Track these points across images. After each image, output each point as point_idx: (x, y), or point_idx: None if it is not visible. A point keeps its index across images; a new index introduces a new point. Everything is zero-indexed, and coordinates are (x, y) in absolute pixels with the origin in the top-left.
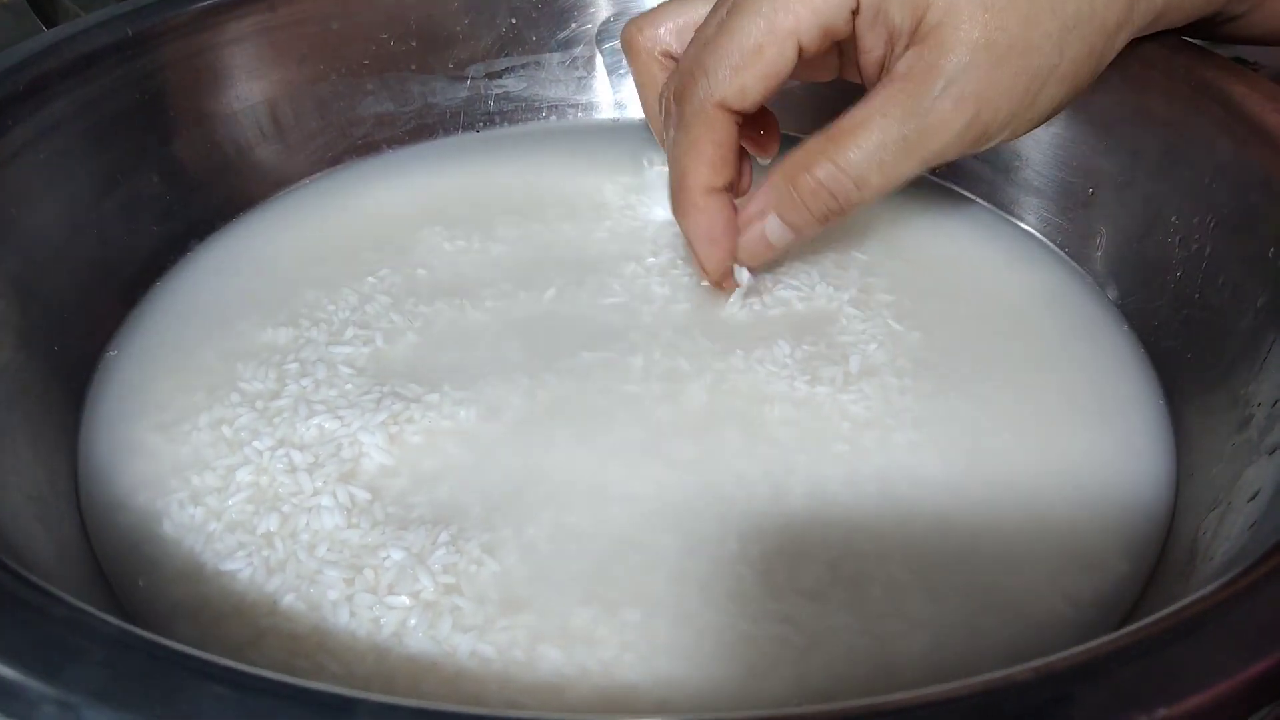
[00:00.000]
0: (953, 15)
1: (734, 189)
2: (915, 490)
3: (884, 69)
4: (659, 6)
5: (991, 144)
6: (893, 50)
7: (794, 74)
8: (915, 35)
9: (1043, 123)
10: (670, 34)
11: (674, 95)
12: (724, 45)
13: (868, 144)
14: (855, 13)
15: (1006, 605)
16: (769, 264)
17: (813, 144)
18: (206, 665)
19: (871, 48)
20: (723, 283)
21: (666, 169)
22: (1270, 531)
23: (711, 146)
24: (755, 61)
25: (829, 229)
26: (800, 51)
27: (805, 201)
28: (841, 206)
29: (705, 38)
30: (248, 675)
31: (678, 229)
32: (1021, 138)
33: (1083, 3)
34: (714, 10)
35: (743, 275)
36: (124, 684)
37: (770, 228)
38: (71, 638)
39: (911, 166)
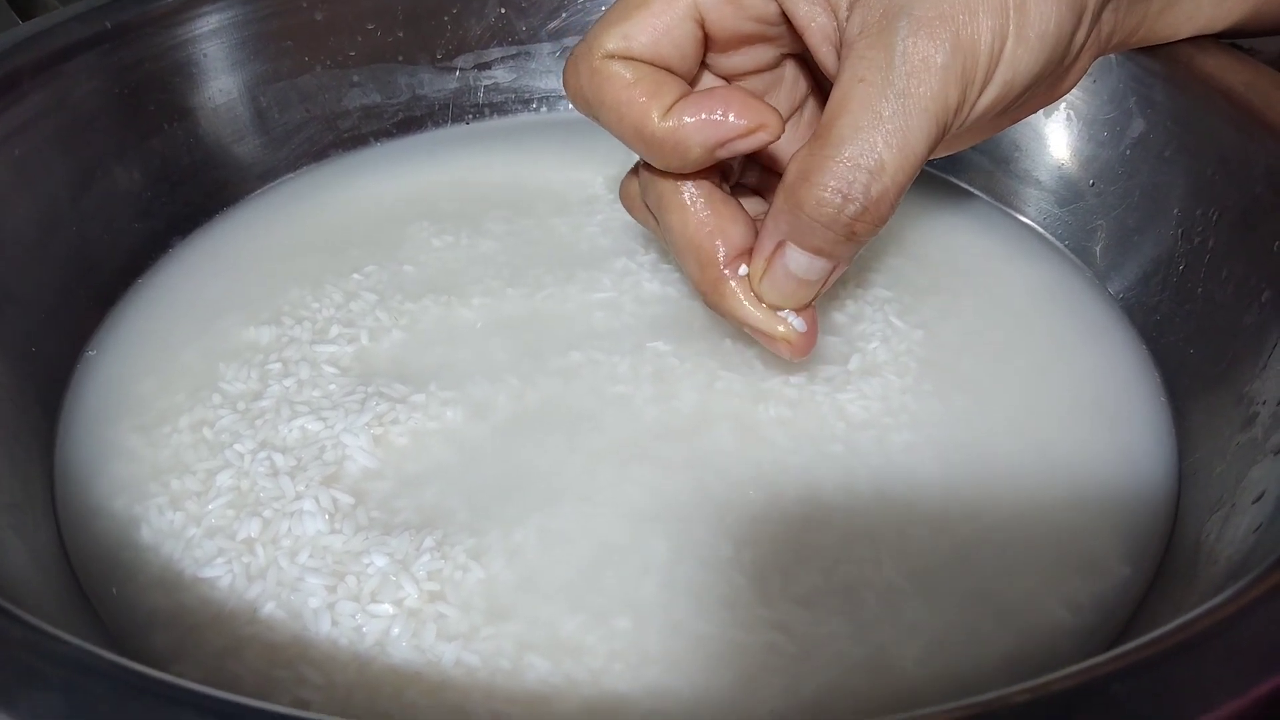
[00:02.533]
0: None
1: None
2: (912, 492)
3: (839, 42)
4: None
5: (1002, 86)
6: (838, 16)
7: (732, 65)
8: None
9: (1055, 54)
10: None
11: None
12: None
13: (862, 122)
14: None
15: (1004, 611)
16: (821, 297)
17: (803, 152)
18: (173, 690)
19: (810, 18)
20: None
21: None
22: (1277, 536)
23: (621, 89)
24: (638, 11)
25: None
26: (703, 19)
27: (818, 217)
28: (865, 208)
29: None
30: (215, 700)
31: None
32: (1021, 130)
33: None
34: None
35: (795, 320)
36: (85, 712)
37: (792, 261)
38: (31, 661)
39: (922, 128)
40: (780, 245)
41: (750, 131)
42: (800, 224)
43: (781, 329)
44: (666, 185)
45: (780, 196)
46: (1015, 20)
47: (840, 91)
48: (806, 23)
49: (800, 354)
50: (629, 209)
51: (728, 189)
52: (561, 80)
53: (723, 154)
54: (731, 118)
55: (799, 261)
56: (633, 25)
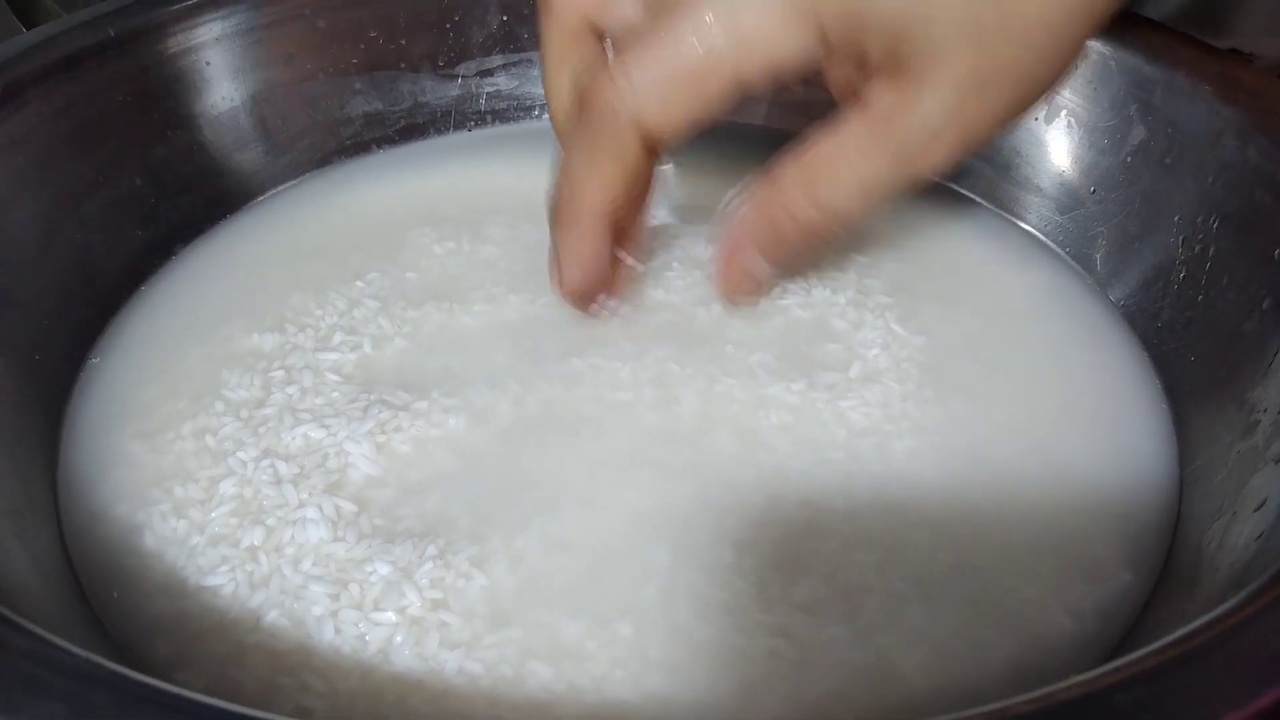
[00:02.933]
0: (935, 47)
1: (622, 232)
2: (913, 498)
3: (855, 92)
4: None
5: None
6: (866, 77)
7: None
8: (890, 66)
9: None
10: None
11: (586, 93)
12: (659, 61)
13: (846, 181)
14: (824, 49)
15: (1006, 617)
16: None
17: (786, 177)
18: (175, 700)
19: (840, 75)
20: (580, 304)
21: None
22: (1278, 546)
23: (616, 170)
24: (691, 93)
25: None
26: (743, 93)
27: (785, 239)
28: (823, 239)
29: (637, 35)
30: (217, 710)
31: (671, 231)
32: (1021, 136)
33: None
34: None
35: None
36: None
37: (754, 264)
38: (33, 670)
39: (892, 196)
40: (744, 248)
41: (559, 290)
42: (767, 238)
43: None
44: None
45: (755, 211)
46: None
47: (839, 144)
48: (836, 76)
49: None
50: (544, 20)
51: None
52: (543, 23)
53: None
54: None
55: (759, 265)
56: (680, 112)
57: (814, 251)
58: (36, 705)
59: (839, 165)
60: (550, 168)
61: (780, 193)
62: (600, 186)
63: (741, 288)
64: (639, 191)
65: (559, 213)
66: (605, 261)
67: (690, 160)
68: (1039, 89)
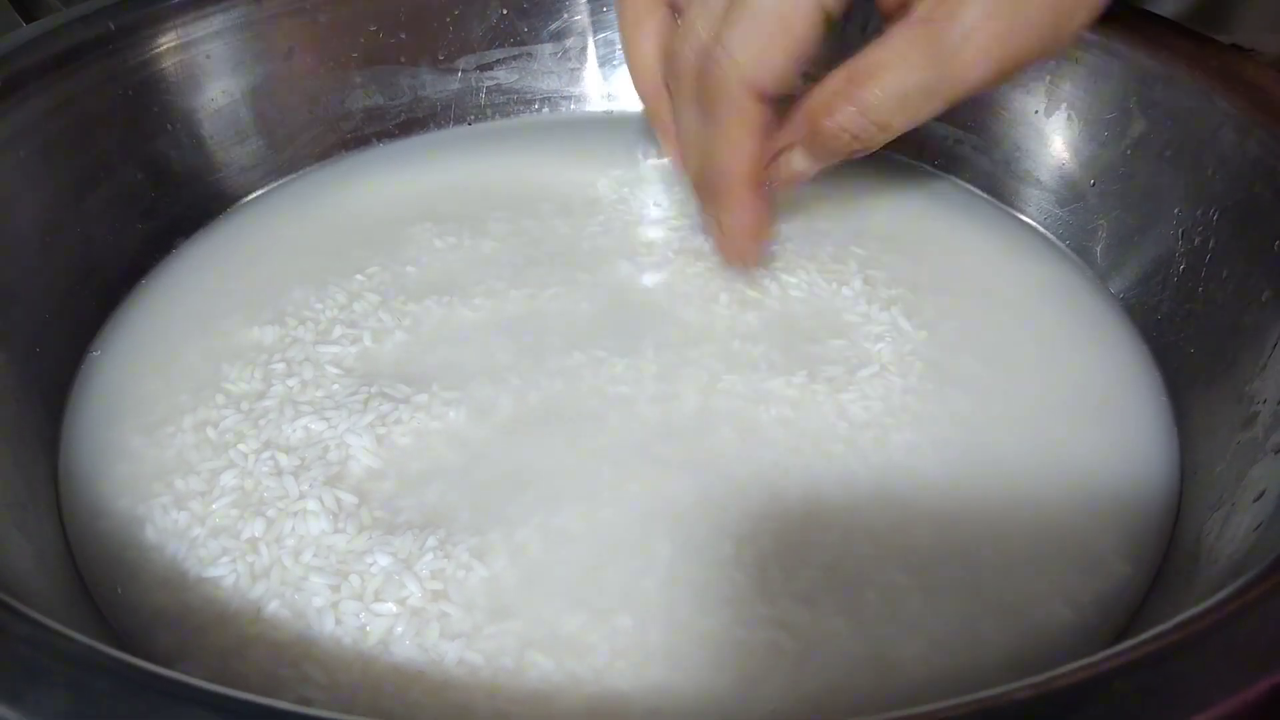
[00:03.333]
0: None
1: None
2: (913, 491)
3: (904, 4)
4: None
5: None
6: None
7: None
8: None
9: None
10: None
11: (692, 76)
12: (747, 21)
13: (890, 88)
14: None
15: (1006, 608)
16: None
17: (833, 83)
18: (177, 686)
19: None
20: (753, 264)
21: (662, 159)
22: (1277, 536)
23: (750, 138)
24: (784, 38)
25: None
26: (827, 17)
27: (828, 142)
28: (865, 145)
29: (714, 7)
30: (220, 696)
31: (673, 224)
32: (1022, 129)
33: None
34: None
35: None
36: (90, 709)
37: (795, 161)
38: (35, 658)
39: (935, 108)
40: (789, 147)
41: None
42: (813, 139)
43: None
44: (733, 102)
45: (806, 110)
46: (1066, 15)
47: (885, 53)
48: None
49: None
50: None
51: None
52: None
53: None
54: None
55: (799, 162)
56: (781, 57)
57: (852, 153)
58: (39, 692)
59: (881, 68)
60: (644, 146)
61: (824, 91)
62: (741, 155)
63: (780, 179)
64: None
65: (721, 198)
66: (768, 219)
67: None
68: (1071, 21)
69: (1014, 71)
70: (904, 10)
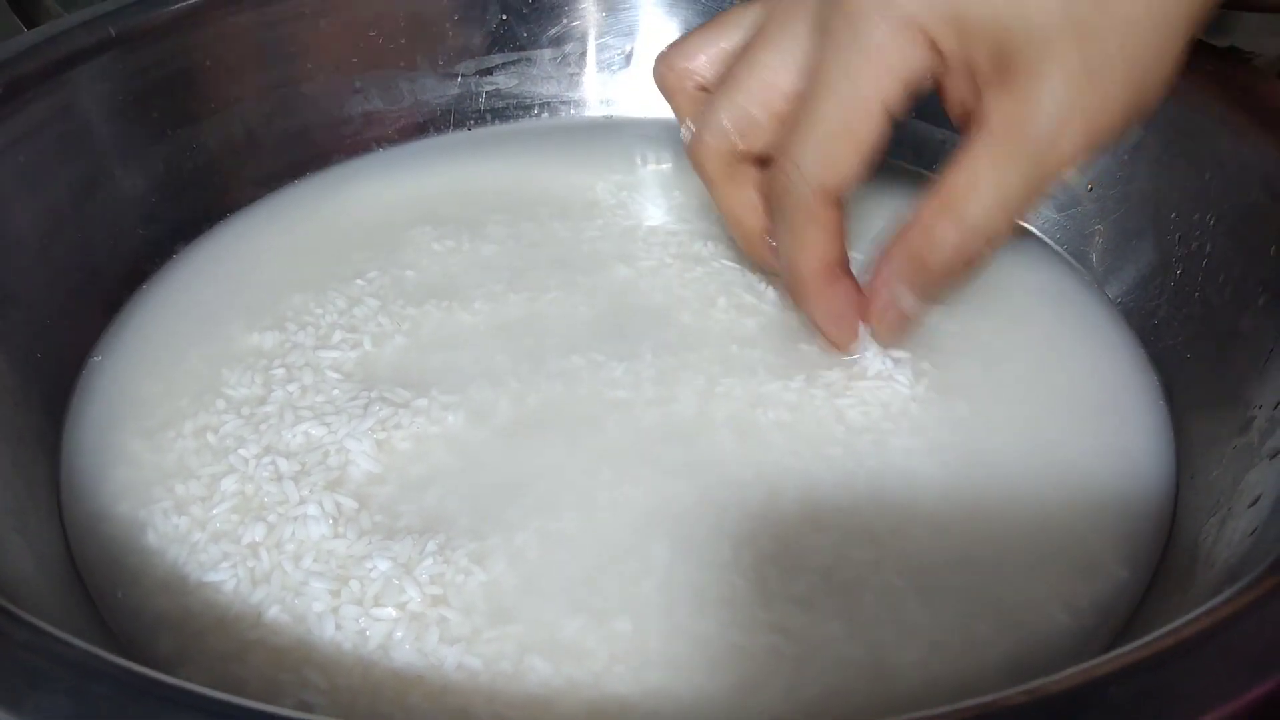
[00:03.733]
0: (1036, 43)
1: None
2: (911, 495)
3: (973, 112)
4: (686, 38)
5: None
6: (979, 92)
7: None
8: (999, 72)
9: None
10: (705, 66)
11: (770, 191)
12: (811, 131)
13: (985, 196)
14: (938, 61)
15: (1003, 612)
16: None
17: (926, 208)
18: (178, 692)
19: (957, 91)
20: (854, 344)
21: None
22: (1272, 540)
23: (820, 233)
24: (848, 141)
25: None
26: (891, 118)
27: (931, 269)
28: (971, 263)
29: (784, 116)
30: (220, 703)
31: (671, 229)
32: None
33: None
34: (751, 48)
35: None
36: (91, 714)
37: (906, 304)
38: (36, 663)
39: (1032, 203)
40: (896, 289)
41: (837, 340)
42: (919, 273)
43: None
44: (802, 205)
45: (904, 243)
46: (1145, 87)
47: (972, 167)
48: (953, 94)
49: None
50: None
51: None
52: (663, 85)
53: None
54: (845, 330)
55: (910, 304)
56: (846, 159)
57: (963, 277)
58: (40, 698)
59: (975, 182)
60: (642, 150)
61: (922, 222)
62: (816, 254)
63: (892, 324)
64: (843, 232)
65: (802, 295)
66: (856, 300)
67: (688, 160)
68: (1154, 80)
69: (1105, 144)
70: (973, 116)
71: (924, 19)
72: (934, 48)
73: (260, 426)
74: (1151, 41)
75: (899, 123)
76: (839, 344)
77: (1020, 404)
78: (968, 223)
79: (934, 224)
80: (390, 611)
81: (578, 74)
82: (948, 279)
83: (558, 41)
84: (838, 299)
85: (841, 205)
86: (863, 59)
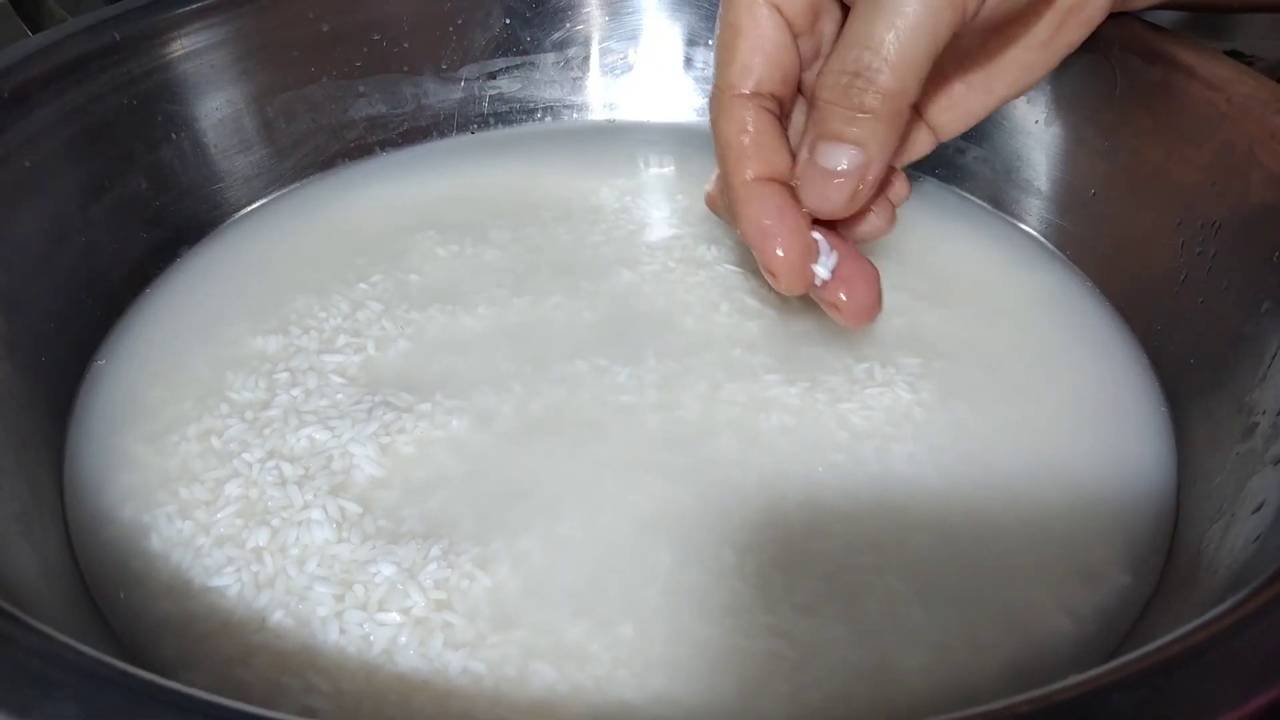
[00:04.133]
0: None
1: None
2: (914, 500)
3: None
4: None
5: None
6: None
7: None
8: None
9: None
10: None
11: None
12: (718, 37)
13: (871, 14)
14: None
15: (1006, 618)
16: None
17: (835, 55)
18: (184, 698)
19: None
20: (796, 286)
21: (662, 169)
22: (1276, 547)
23: (738, 134)
24: (740, 38)
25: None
26: (786, 14)
27: (830, 98)
28: (877, 89)
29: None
30: (225, 709)
31: (675, 232)
32: (1022, 139)
33: None
34: None
35: (820, 269)
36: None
37: (821, 154)
38: (43, 669)
39: (929, 15)
40: (812, 144)
41: (769, 270)
42: (820, 113)
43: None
44: (718, 107)
45: (812, 95)
46: None
47: None
48: None
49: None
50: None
51: (777, 125)
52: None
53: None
54: (779, 251)
55: (825, 153)
56: (745, 55)
57: (884, 132)
58: (47, 704)
59: (857, 20)
60: (645, 154)
61: (830, 66)
62: (738, 154)
63: (820, 188)
64: (778, 146)
65: (727, 202)
66: (791, 220)
67: (691, 164)
68: None
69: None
70: None
71: None
72: None
73: (264, 431)
74: None
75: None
76: (776, 271)
77: (1022, 409)
78: (852, 39)
79: (836, 54)
80: (394, 616)
81: (581, 78)
82: (856, 110)
83: (561, 46)
84: (765, 206)
85: (768, 113)
86: None
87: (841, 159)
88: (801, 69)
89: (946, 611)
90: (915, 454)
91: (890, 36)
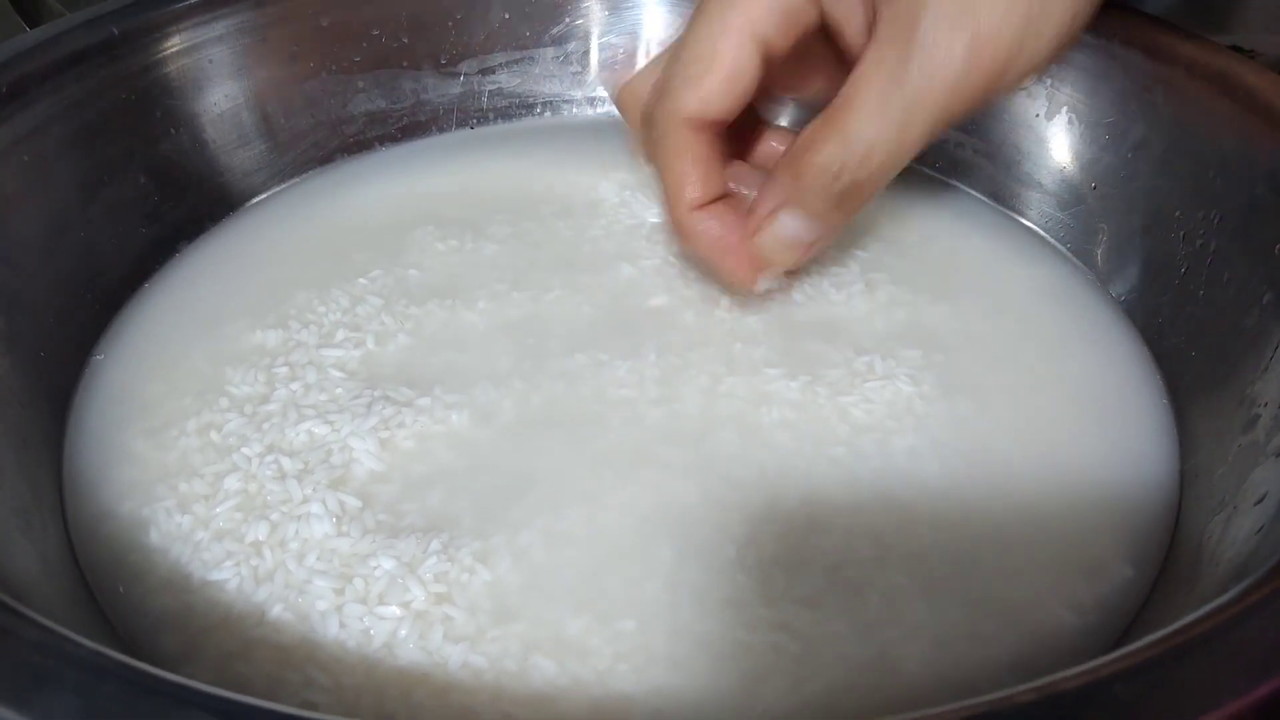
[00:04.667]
0: None
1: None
2: (915, 494)
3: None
4: (644, 66)
5: (1012, 81)
6: (874, 17)
7: (781, 83)
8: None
9: (1062, 48)
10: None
11: (643, 118)
12: (681, 56)
13: (868, 104)
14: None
15: (1008, 611)
16: (801, 265)
17: (811, 126)
18: (184, 691)
19: (848, 20)
20: (750, 288)
21: None
22: (1278, 538)
23: (686, 164)
24: (712, 68)
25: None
26: (766, 49)
27: (812, 187)
28: (855, 183)
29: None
30: (225, 701)
31: (670, 229)
32: (1023, 132)
33: None
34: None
35: (763, 283)
36: (98, 713)
37: (783, 224)
38: (43, 662)
39: (923, 120)
40: (777, 208)
41: (728, 277)
42: (798, 189)
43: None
44: (666, 132)
45: (784, 162)
46: (1038, 16)
47: (856, 73)
48: (844, 24)
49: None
50: (625, 113)
51: (719, 148)
52: (617, 104)
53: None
54: (733, 269)
55: (789, 224)
56: (711, 86)
57: (849, 204)
58: (47, 697)
59: (857, 91)
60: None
61: (805, 138)
62: (684, 183)
63: (772, 253)
64: (719, 169)
65: (673, 229)
66: (738, 237)
67: None
68: (1043, 26)
69: (995, 68)
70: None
71: None
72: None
73: (263, 425)
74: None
75: (781, 59)
76: (738, 279)
77: (1024, 402)
78: (843, 132)
79: (811, 134)
80: (394, 610)
81: (580, 72)
82: (823, 197)
83: (560, 40)
84: (714, 232)
85: (714, 138)
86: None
87: (808, 233)
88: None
89: (948, 604)
90: (916, 447)
91: (882, 144)
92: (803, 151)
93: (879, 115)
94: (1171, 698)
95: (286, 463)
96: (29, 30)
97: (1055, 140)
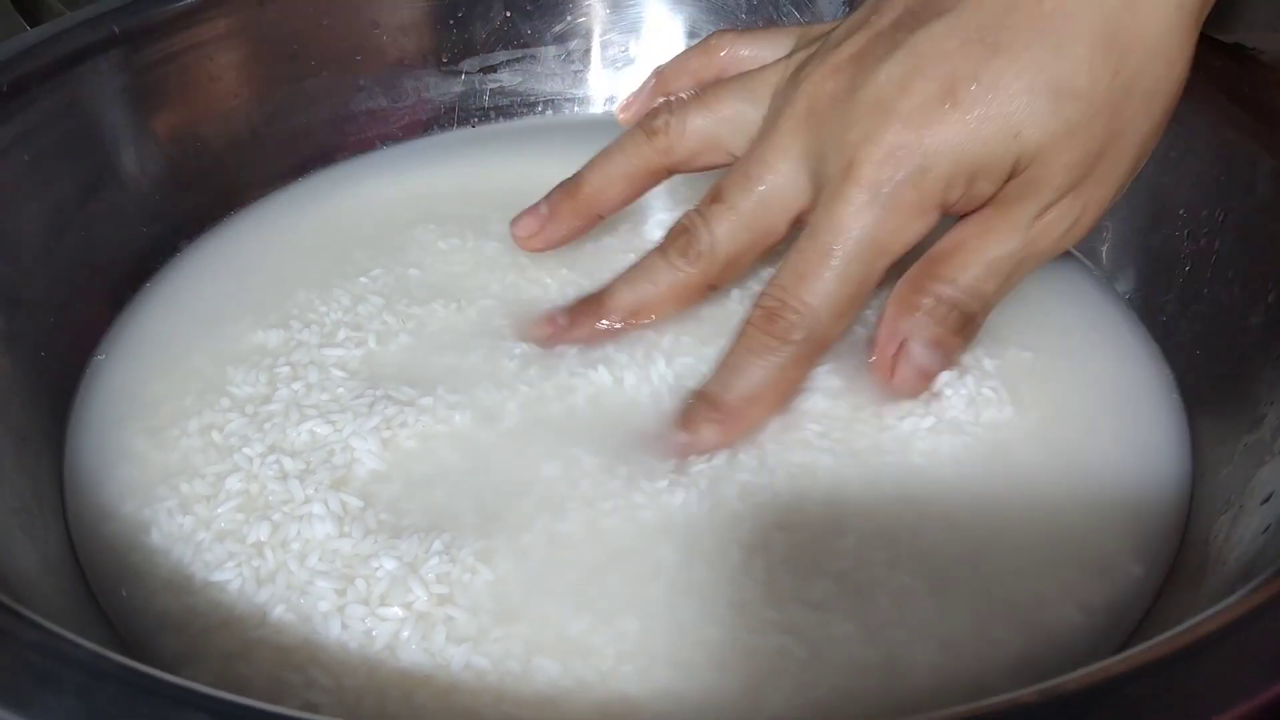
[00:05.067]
0: (1043, 155)
1: None
2: (923, 493)
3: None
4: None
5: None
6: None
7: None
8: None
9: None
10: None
11: (762, 321)
12: (830, 284)
13: (978, 262)
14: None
15: (1017, 611)
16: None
17: (918, 270)
18: (184, 692)
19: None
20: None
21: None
22: None
23: (799, 374)
24: (860, 300)
25: None
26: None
27: (932, 318)
28: (968, 318)
29: (795, 253)
30: (226, 703)
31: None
32: None
33: (1153, 64)
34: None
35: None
36: (97, 714)
37: (917, 356)
38: (43, 663)
39: (1025, 274)
40: (903, 344)
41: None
42: (917, 322)
43: None
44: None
45: (891, 304)
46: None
47: (965, 232)
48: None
49: None
50: None
51: None
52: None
53: None
54: None
55: (921, 354)
56: (849, 319)
57: (968, 333)
58: (47, 698)
59: (965, 248)
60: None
61: (914, 280)
62: (780, 392)
63: (912, 380)
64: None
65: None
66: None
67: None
68: (1145, 151)
69: (1093, 225)
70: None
71: (945, 196)
72: (947, 208)
73: (265, 425)
74: (1147, 120)
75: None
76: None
77: (1031, 401)
78: (956, 279)
79: (917, 276)
80: (396, 611)
81: (582, 71)
82: (943, 328)
83: (562, 38)
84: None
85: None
86: (889, 235)
87: (936, 361)
88: None
89: (957, 605)
90: (926, 447)
91: (992, 290)
92: (916, 290)
93: (989, 270)
94: (1180, 698)
95: (288, 463)
96: (29, 30)
97: None
